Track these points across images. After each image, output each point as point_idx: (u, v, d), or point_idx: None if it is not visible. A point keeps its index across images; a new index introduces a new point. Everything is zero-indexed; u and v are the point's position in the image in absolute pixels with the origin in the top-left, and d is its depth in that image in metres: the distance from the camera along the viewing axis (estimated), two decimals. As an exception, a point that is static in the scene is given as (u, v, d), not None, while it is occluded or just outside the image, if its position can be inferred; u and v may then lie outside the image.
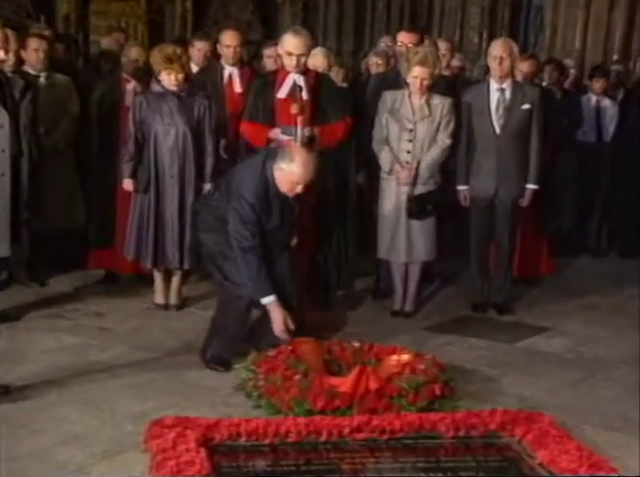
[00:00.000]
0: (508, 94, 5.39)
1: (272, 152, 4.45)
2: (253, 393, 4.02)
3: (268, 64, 6.12)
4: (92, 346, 4.76)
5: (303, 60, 5.03)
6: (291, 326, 4.28)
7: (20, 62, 5.53)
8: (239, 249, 4.32)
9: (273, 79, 5.23)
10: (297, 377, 3.97)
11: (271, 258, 4.41)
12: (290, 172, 4.24)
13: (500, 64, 5.30)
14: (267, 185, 4.33)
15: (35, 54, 5.67)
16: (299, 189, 4.29)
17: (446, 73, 6.05)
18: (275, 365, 4.10)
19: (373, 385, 3.94)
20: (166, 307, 5.48)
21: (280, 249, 4.50)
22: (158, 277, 5.49)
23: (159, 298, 5.51)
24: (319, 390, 3.88)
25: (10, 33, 4.74)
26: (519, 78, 5.69)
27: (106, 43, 7.41)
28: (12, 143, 4.54)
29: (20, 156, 4.96)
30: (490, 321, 5.50)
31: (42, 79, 5.71)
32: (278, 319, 4.29)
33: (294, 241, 4.64)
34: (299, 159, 4.25)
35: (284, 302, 4.35)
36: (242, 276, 4.32)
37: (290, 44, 4.99)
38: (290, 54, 4.98)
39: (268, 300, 4.30)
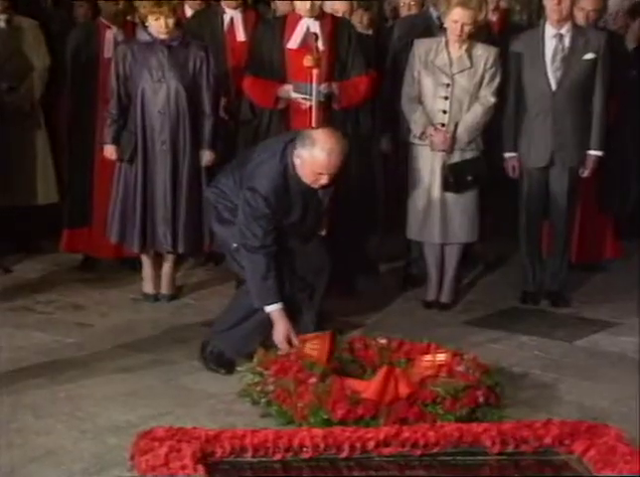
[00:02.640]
0: (567, 41, 5.35)
1: (295, 136, 4.40)
2: (261, 399, 4.03)
3: (280, 7, 6.09)
4: (69, 345, 4.78)
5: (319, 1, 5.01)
6: (294, 340, 4.31)
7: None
8: (243, 248, 4.35)
9: (282, 25, 5.23)
10: (312, 380, 3.97)
11: (291, 252, 4.44)
12: (312, 160, 4.21)
13: (558, 3, 5.25)
14: (286, 176, 4.31)
15: None
16: (324, 180, 4.26)
17: (494, 17, 6.02)
18: (287, 366, 4.10)
19: (402, 390, 3.94)
20: (156, 298, 5.51)
21: (304, 240, 4.52)
22: (147, 263, 5.51)
23: (148, 287, 5.53)
24: (339, 395, 3.88)
25: None
26: (580, 20, 5.60)
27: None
28: None
29: None
30: (543, 314, 5.49)
31: (1, 24, 5.70)
32: (281, 330, 4.32)
33: (323, 232, 4.68)
34: (322, 144, 4.21)
35: (309, 300, 4.46)
36: (247, 278, 4.37)
37: None
38: None
39: (272, 308, 4.33)
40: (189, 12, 5.95)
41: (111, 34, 5.74)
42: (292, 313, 4.45)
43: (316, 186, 4.32)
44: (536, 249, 5.63)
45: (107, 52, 5.66)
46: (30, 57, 5.84)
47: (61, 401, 4.10)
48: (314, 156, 4.19)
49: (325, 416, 3.83)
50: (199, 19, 5.83)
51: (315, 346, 4.26)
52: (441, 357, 4.24)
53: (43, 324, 5.06)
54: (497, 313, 5.48)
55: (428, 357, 4.26)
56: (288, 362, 4.15)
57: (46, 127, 6.02)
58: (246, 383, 4.14)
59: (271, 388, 4.02)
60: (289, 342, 4.31)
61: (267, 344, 4.38)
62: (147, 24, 5.23)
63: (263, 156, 4.42)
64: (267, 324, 4.39)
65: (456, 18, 5.13)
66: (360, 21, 5.92)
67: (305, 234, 4.54)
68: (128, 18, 5.75)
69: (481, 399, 3.99)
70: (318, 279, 4.58)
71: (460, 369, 4.12)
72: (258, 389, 4.07)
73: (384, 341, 4.43)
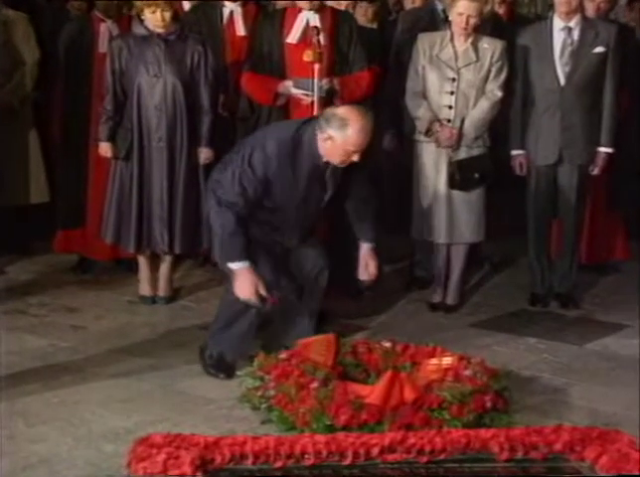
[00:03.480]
0: (576, 35, 5.35)
1: (306, 121, 4.42)
2: (262, 404, 4.03)
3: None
4: (63, 348, 4.78)
5: (320, -6, 5.02)
6: (262, 291, 4.28)
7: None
8: (215, 201, 4.31)
9: (281, 18, 5.23)
10: (315, 384, 3.97)
11: (282, 250, 4.46)
12: (345, 140, 4.21)
13: (568, -6, 5.26)
14: (296, 151, 4.30)
15: None
16: (355, 157, 4.27)
17: (501, 10, 6.01)
18: (288, 370, 4.10)
19: (408, 394, 3.94)
20: (153, 300, 5.51)
21: (298, 237, 4.51)
22: (143, 264, 5.52)
23: (145, 289, 5.54)
24: (342, 400, 3.88)
25: None
26: (590, 12, 5.60)
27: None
28: None
29: None
30: (552, 317, 5.49)
31: None
32: (246, 282, 4.27)
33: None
34: (354, 123, 4.21)
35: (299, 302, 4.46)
36: (214, 236, 4.37)
37: None
38: None
39: (238, 266, 4.29)
40: (187, 5, 5.94)
41: (106, 27, 5.74)
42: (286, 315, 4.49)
43: (343, 164, 4.31)
44: (544, 250, 5.63)
45: (102, 46, 5.65)
46: (19, 51, 5.82)
47: (54, 408, 4.10)
48: (347, 135, 4.19)
49: (328, 422, 3.83)
50: (197, 12, 5.82)
51: (321, 350, 4.26)
52: (448, 361, 4.23)
53: (36, 327, 5.07)
54: (505, 315, 5.48)
55: (434, 360, 4.26)
56: (290, 366, 4.15)
57: (37, 125, 6.01)
58: (247, 387, 4.14)
59: (272, 392, 4.02)
60: (258, 295, 4.28)
61: (267, 346, 4.39)
62: (143, 17, 5.24)
63: (271, 129, 4.44)
64: (261, 320, 4.42)
65: (461, 10, 5.12)
66: (364, 14, 5.92)
67: (299, 227, 4.49)
68: (124, 11, 5.74)
69: (489, 405, 3.99)
70: (315, 282, 4.57)
71: (467, 373, 4.12)
72: (259, 394, 4.06)
73: (388, 344, 4.43)
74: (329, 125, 4.22)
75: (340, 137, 4.20)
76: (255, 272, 4.28)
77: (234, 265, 4.30)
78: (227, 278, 4.50)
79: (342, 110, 4.30)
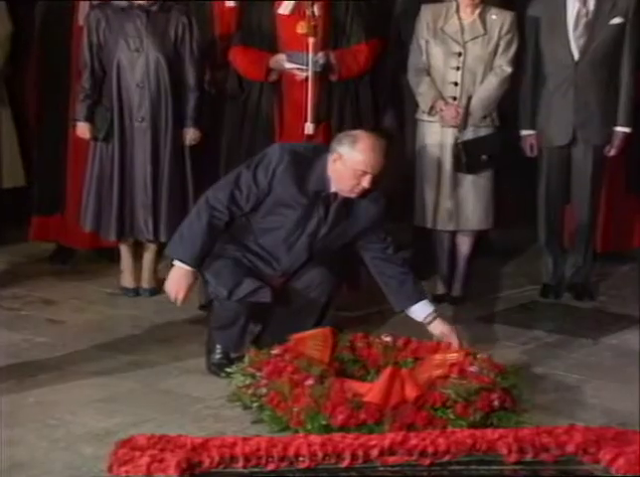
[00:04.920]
0: (592, 4, 5.35)
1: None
2: (253, 403, 4.05)
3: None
4: (39, 344, 4.79)
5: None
6: (180, 295, 4.39)
7: None
8: (202, 199, 4.44)
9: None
10: (309, 382, 3.98)
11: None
12: (353, 158, 4.29)
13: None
14: (306, 171, 4.37)
15: None
16: (366, 182, 4.31)
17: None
18: (281, 367, 4.11)
19: (409, 392, 3.95)
20: (137, 292, 5.53)
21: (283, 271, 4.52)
22: (126, 253, 5.53)
23: (127, 280, 5.55)
24: (339, 399, 3.89)
25: None
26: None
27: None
28: None
29: None
30: (565, 309, 5.51)
31: None
32: (178, 282, 4.39)
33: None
34: (364, 140, 4.31)
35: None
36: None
37: None
38: None
39: (180, 264, 4.40)
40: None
41: (85, -2, 5.74)
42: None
43: (355, 193, 4.36)
44: (557, 238, 5.65)
45: (80, 19, 5.63)
46: None
47: (30, 408, 4.10)
48: (356, 152, 4.28)
49: (323, 422, 3.84)
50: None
51: (316, 345, 4.28)
52: (452, 356, 4.25)
53: (10, 322, 5.07)
54: (514, 308, 5.50)
55: (438, 356, 4.28)
56: (283, 362, 4.16)
57: (10, 103, 6.00)
58: (237, 385, 4.15)
59: (264, 391, 4.03)
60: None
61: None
62: (124, -14, 5.23)
63: (291, 147, 4.51)
64: (260, 314, 4.48)
65: (468, -21, 5.15)
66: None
67: (286, 258, 4.49)
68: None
69: (496, 403, 4.00)
70: (317, 292, 4.56)
71: (473, 369, 4.13)
72: (250, 392, 4.08)
73: (388, 339, 4.45)
74: (339, 144, 4.33)
75: (349, 155, 4.28)
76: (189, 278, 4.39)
77: (177, 262, 4.40)
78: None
79: (355, 131, 4.43)
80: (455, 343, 4.37)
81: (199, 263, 4.40)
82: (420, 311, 4.51)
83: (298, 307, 4.54)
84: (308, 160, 4.41)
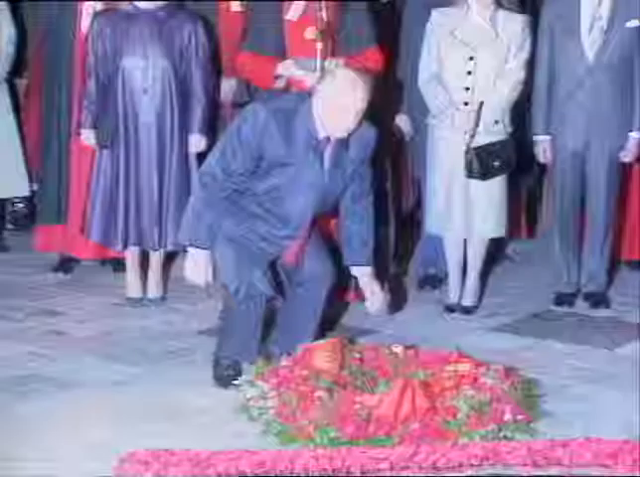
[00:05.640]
0: (607, 7, 5.34)
1: None
2: (260, 415, 4.03)
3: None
4: (42, 356, 4.79)
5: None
6: (209, 277, 4.39)
7: None
8: (200, 181, 4.43)
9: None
10: (318, 394, 3.97)
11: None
12: (333, 92, 4.25)
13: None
14: (291, 121, 4.30)
15: None
16: (351, 118, 4.26)
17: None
18: (289, 378, 4.11)
19: (420, 405, 3.94)
20: (142, 302, 5.52)
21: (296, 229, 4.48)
22: (131, 262, 5.52)
23: (133, 290, 5.54)
24: (348, 411, 3.88)
25: None
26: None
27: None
28: None
29: None
30: (580, 318, 5.49)
31: None
32: (197, 267, 4.38)
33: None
34: (344, 74, 4.29)
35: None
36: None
37: None
38: None
39: (194, 249, 4.40)
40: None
41: (90, 4, 5.73)
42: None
43: (341, 133, 4.31)
44: (571, 245, 5.62)
45: (84, 25, 5.65)
46: None
47: (33, 421, 4.07)
48: (336, 86, 4.25)
49: (332, 435, 3.83)
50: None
51: (325, 356, 4.26)
52: (464, 367, 4.22)
53: (13, 333, 5.08)
54: (528, 317, 5.48)
55: (449, 367, 4.25)
56: (291, 374, 4.16)
57: (14, 111, 6.01)
58: (244, 397, 4.14)
59: (272, 403, 4.03)
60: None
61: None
62: (129, -8, 5.24)
63: (268, 101, 4.49)
64: (259, 307, 4.47)
65: (479, -18, 5.14)
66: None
67: (297, 215, 4.43)
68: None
69: (509, 415, 3.98)
70: (314, 287, 4.54)
71: (486, 380, 4.12)
72: (257, 404, 4.07)
73: (398, 350, 4.42)
74: (319, 84, 4.32)
75: (329, 90, 4.25)
76: (208, 259, 4.38)
77: (190, 248, 4.40)
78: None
79: (334, 68, 4.47)
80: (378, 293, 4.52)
81: (212, 241, 4.38)
82: (356, 270, 4.59)
83: (302, 301, 4.55)
84: (291, 110, 4.35)
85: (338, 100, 4.24)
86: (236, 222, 4.41)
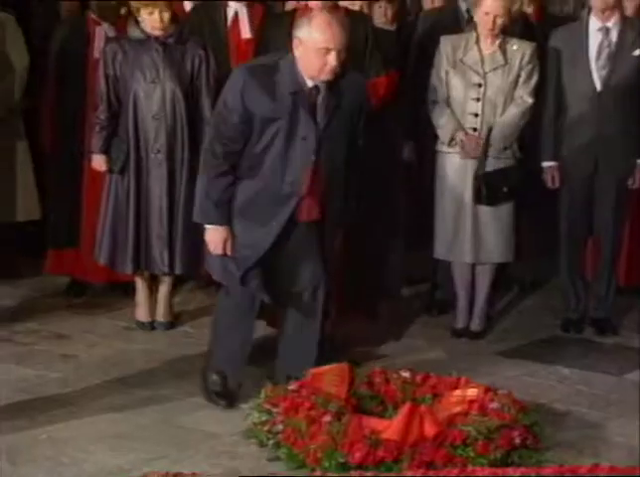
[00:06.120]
0: (614, 36, 5.36)
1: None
2: (269, 440, 4.03)
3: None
4: (52, 380, 4.79)
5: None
6: (229, 250, 4.42)
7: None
8: (202, 170, 4.49)
9: (291, 21, 5.21)
10: (327, 418, 3.97)
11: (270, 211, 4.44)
12: (312, 37, 4.28)
13: (603, -10, 5.28)
14: (273, 77, 4.35)
15: None
16: (332, 59, 4.28)
17: (530, 9, 6.02)
18: (298, 403, 4.11)
19: (428, 429, 3.94)
20: (151, 326, 5.53)
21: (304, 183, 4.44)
22: (141, 286, 5.54)
23: (142, 314, 5.55)
24: (356, 436, 3.88)
25: None
26: (629, 11, 5.64)
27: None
28: None
29: None
30: (587, 344, 5.48)
31: None
32: (216, 239, 4.43)
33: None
34: (319, 16, 4.33)
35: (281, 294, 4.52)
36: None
37: None
38: None
39: (212, 226, 4.46)
40: (188, 5, 5.95)
41: (102, 30, 5.77)
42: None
43: (327, 73, 4.31)
44: (579, 271, 5.62)
45: (96, 51, 5.68)
46: (7, 56, 5.85)
47: (42, 445, 4.10)
48: (313, 30, 4.28)
49: (341, 460, 3.83)
50: (199, 13, 5.84)
51: (333, 381, 4.27)
52: (472, 392, 4.23)
53: (23, 356, 5.08)
54: (535, 343, 5.47)
55: (457, 392, 4.26)
56: (299, 398, 4.16)
57: (26, 135, 6.03)
58: (253, 422, 4.14)
59: (280, 427, 4.03)
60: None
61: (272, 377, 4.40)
62: (140, 19, 5.26)
63: (244, 65, 4.56)
64: (249, 314, 4.55)
65: (488, 10, 5.16)
66: (384, 14, 5.92)
67: (299, 169, 4.40)
68: (122, 12, 5.76)
69: (517, 441, 3.98)
70: (312, 300, 4.56)
71: (494, 406, 4.12)
72: (266, 428, 4.07)
73: (407, 374, 4.43)
74: (297, 29, 4.35)
75: (308, 36, 4.29)
76: (229, 233, 4.42)
77: (207, 225, 4.47)
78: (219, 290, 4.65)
79: (306, 14, 4.47)
80: None
81: (228, 216, 4.42)
82: None
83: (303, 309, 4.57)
84: (270, 65, 4.39)
85: (317, 41, 4.27)
86: (242, 192, 4.44)
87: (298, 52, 4.32)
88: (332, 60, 4.28)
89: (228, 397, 4.52)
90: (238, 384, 4.56)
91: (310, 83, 4.35)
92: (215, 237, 4.45)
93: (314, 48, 4.27)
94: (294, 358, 4.52)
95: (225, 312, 4.61)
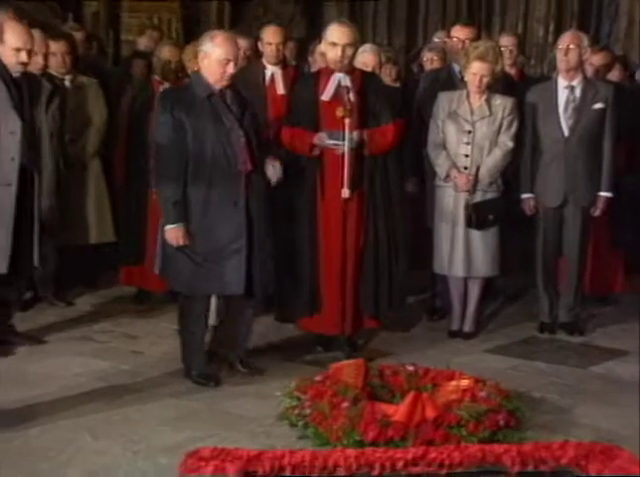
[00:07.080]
0: (578, 92, 5.37)
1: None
2: (299, 422, 4.04)
3: (315, 63, 6.14)
4: (124, 371, 4.82)
5: (349, 52, 4.99)
6: (182, 242, 4.44)
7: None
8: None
9: (317, 79, 5.24)
10: (346, 404, 3.98)
11: (220, 215, 4.49)
12: (215, 50, 4.45)
13: (566, 54, 5.28)
14: (185, 93, 4.52)
15: (54, 57, 5.67)
16: (230, 68, 4.45)
17: (512, 71, 6.03)
18: (322, 391, 4.11)
19: (429, 413, 3.93)
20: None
21: (234, 200, 4.52)
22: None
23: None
24: (370, 418, 3.88)
25: (37, 34, 4.82)
26: (590, 73, 5.65)
27: (143, 43, 7.47)
28: (24, 152, 4.38)
29: (40, 167, 4.62)
30: (559, 343, 5.45)
31: (66, 83, 5.79)
32: (174, 237, 4.46)
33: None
34: (220, 34, 4.55)
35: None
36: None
37: (334, 34, 4.98)
38: (335, 44, 4.96)
39: (170, 227, 4.47)
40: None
41: (164, 87, 5.79)
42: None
43: (226, 81, 4.47)
44: (552, 283, 5.59)
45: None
46: (90, 112, 5.90)
47: (117, 424, 4.13)
48: (216, 45, 4.45)
49: (358, 438, 3.83)
50: (244, 74, 5.86)
51: (351, 373, 4.26)
52: (465, 383, 4.23)
53: (100, 352, 5.10)
54: (516, 342, 5.44)
55: (453, 383, 4.25)
56: (324, 387, 4.16)
57: (104, 174, 6.08)
58: (285, 407, 4.15)
59: (308, 411, 4.03)
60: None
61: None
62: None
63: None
64: (203, 315, 4.65)
65: (475, 71, 5.17)
66: (389, 74, 5.95)
67: (231, 175, 4.47)
68: (179, 75, 5.81)
69: (502, 423, 3.98)
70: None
71: (483, 394, 4.11)
72: (296, 412, 4.08)
73: (411, 368, 4.43)
74: (202, 45, 4.51)
75: (211, 50, 4.46)
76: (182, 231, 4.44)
77: (168, 226, 4.48)
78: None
79: (211, 32, 4.66)
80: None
81: (184, 215, 4.44)
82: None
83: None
84: (181, 87, 4.70)
85: (219, 58, 4.44)
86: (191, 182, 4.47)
87: (204, 64, 4.51)
88: (230, 69, 4.48)
89: (212, 379, 4.60)
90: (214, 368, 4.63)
91: (216, 87, 4.51)
92: (178, 234, 4.49)
93: (217, 59, 4.46)
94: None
95: (186, 317, 4.67)
